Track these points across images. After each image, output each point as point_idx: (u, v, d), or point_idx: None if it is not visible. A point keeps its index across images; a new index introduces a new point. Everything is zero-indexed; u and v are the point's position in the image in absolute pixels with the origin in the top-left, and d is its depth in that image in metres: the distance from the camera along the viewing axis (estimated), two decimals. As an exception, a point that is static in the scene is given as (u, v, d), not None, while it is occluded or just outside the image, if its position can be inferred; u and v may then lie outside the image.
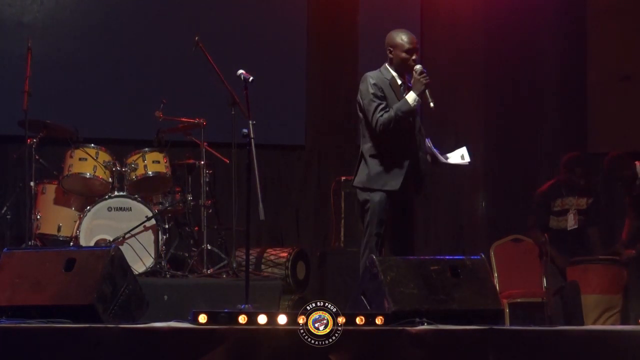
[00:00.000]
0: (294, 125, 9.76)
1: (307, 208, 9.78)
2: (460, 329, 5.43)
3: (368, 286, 5.91)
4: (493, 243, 9.02)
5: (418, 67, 6.58)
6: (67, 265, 5.72)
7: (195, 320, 5.41)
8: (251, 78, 6.44)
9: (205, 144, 8.35)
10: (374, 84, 6.57)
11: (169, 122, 8.34)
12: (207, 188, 8.32)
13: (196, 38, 7.86)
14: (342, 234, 8.93)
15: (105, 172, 8.10)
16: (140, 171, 8.16)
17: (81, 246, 7.69)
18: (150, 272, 7.87)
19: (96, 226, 7.93)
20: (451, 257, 6.13)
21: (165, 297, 7.41)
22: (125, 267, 5.92)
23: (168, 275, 7.89)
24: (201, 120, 8.27)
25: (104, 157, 8.14)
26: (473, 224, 9.83)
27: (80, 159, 8.09)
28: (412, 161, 6.62)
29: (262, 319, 5.39)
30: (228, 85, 7.64)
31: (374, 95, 6.55)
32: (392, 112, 6.52)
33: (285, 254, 8.54)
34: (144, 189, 8.25)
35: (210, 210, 8.33)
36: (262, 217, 6.18)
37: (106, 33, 9.35)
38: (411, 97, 6.54)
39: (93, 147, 8.14)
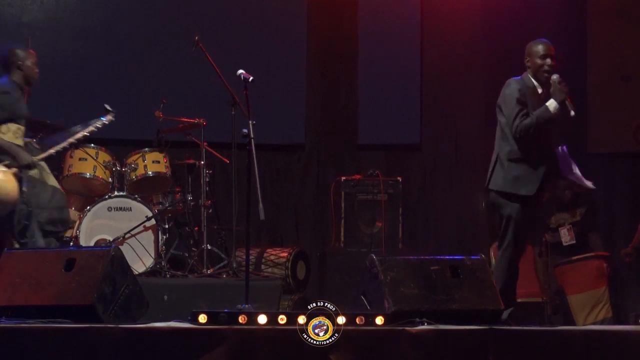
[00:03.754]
0: (294, 125, 9.76)
1: (307, 208, 9.78)
2: (460, 329, 5.43)
3: (368, 286, 5.91)
4: (493, 243, 9.01)
5: (555, 76, 6.69)
6: (67, 265, 5.72)
7: (195, 320, 5.41)
8: (251, 78, 6.44)
9: (205, 144, 8.35)
10: (519, 89, 6.68)
11: (169, 122, 8.34)
12: (207, 188, 8.31)
13: (196, 38, 7.86)
14: (342, 234, 8.94)
15: (105, 172, 8.10)
16: (140, 171, 8.16)
17: (81, 246, 7.69)
18: (150, 272, 7.87)
19: (96, 226, 7.93)
20: (451, 257, 6.13)
21: (165, 297, 7.41)
22: (125, 267, 5.92)
23: (168, 275, 7.89)
24: (201, 120, 8.27)
25: (104, 157, 8.14)
26: (473, 224, 9.82)
27: (80, 159, 8.10)
28: (547, 168, 6.67)
29: (262, 319, 5.40)
30: (228, 85, 7.64)
31: (518, 100, 6.66)
32: (532, 119, 6.62)
33: (285, 254, 8.54)
34: (144, 189, 8.25)
35: (210, 210, 8.33)
36: (262, 217, 6.18)
37: (106, 33, 9.36)
38: (552, 104, 6.63)
39: (93, 147, 8.14)
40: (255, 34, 9.54)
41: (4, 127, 6.76)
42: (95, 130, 7.22)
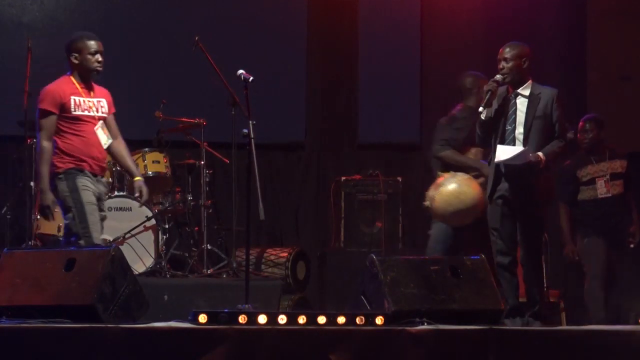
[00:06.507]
0: (294, 125, 9.76)
1: (307, 208, 9.78)
2: (460, 329, 5.43)
3: (368, 286, 5.91)
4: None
5: (496, 76, 6.80)
6: (67, 265, 5.72)
7: (195, 320, 5.41)
8: (251, 78, 6.44)
9: (205, 144, 8.36)
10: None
11: (169, 122, 8.35)
12: (207, 188, 8.32)
13: (196, 38, 7.85)
14: (342, 234, 8.94)
15: (105, 172, 8.08)
16: (140, 171, 8.15)
17: (81, 246, 7.68)
18: (150, 272, 7.87)
19: (96, 226, 7.93)
20: (451, 257, 6.13)
21: (165, 297, 7.41)
22: (125, 267, 5.92)
23: (168, 275, 7.90)
24: (201, 120, 8.27)
25: (104, 157, 8.13)
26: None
27: (80, 159, 8.08)
28: (498, 170, 6.70)
29: (262, 319, 5.40)
30: (228, 85, 7.64)
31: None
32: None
33: (285, 254, 8.54)
34: (144, 189, 8.24)
35: (210, 210, 8.33)
36: (262, 217, 6.18)
37: (106, 33, 9.31)
38: (480, 108, 6.74)
39: (93, 147, 8.13)
40: (255, 34, 9.53)
41: (473, 149, 7.26)
42: None
